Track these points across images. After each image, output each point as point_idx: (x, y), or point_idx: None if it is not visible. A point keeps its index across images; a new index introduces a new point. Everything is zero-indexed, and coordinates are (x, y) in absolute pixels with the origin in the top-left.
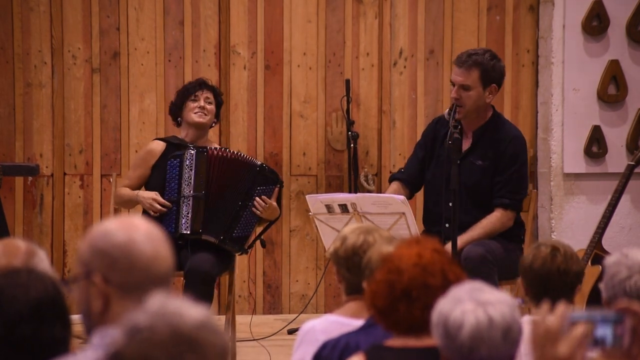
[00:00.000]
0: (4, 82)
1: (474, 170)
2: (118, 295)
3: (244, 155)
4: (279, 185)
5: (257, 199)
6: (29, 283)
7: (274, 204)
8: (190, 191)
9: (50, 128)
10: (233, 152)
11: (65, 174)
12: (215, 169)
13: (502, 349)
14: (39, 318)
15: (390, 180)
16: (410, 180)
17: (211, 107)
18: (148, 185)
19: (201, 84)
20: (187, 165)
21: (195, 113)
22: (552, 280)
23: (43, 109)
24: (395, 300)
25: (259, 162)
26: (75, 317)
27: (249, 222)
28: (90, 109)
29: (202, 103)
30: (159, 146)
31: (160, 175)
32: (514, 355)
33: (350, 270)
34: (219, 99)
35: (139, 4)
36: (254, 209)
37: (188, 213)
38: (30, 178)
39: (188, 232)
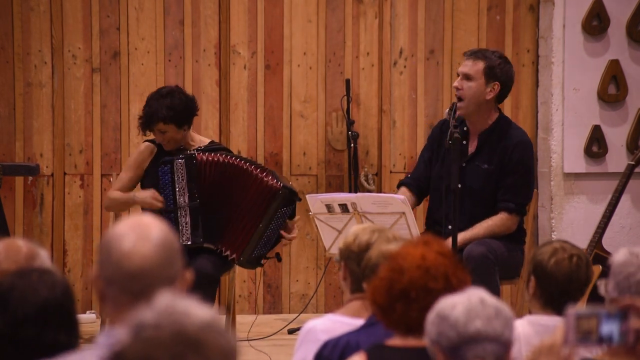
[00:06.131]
0: (4, 82)
1: (479, 173)
2: (107, 291)
3: (239, 160)
4: (297, 201)
5: (289, 224)
6: (39, 284)
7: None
8: (185, 201)
9: (50, 128)
10: (229, 157)
11: (65, 173)
12: (207, 174)
13: (497, 324)
14: (43, 320)
15: (398, 187)
16: (416, 184)
17: (169, 135)
18: (140, 189)
19: (149, 121)
20: (178, 174)
21: (160, 141)
22: (571, 288)
23: (43, 108)
24: (393, 299)
25: (278, 183)
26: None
27: (269, 241)
28: (90, 108)
29: (158, 139)
30: (151, 149)
31: (152, 181)
32: (509, 339)
33: (361, 265)
34: (177, 114)
35: (139, 3)
36: (282, 231)
37: (187, 224)
38: (30, 178)
39: (189, 244)
